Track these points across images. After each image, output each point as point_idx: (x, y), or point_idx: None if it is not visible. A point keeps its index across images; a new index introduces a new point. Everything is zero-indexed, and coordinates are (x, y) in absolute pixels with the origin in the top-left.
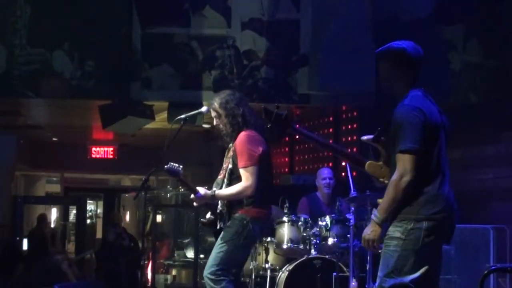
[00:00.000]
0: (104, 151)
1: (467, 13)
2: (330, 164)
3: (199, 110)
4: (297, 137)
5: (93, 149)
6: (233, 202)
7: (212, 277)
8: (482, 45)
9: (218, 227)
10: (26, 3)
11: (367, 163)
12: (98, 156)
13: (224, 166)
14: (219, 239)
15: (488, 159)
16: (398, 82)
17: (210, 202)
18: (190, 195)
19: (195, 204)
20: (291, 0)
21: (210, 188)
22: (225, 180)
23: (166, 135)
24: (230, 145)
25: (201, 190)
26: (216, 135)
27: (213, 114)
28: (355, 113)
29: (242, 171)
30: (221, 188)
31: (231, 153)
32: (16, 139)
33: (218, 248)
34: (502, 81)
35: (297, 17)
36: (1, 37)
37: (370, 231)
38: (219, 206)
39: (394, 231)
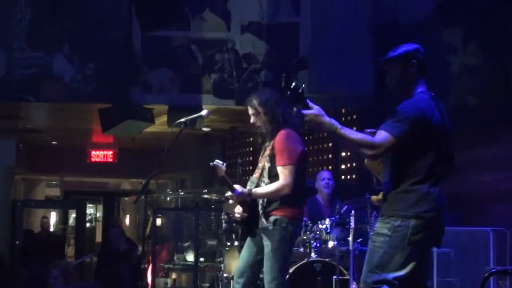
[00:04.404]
0: (104, 154)
1: (467, 16)
2: (330, 168)
3: (199, 113)
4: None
5: (93, 152)
6: (270, 201)
7: None
8: (481, 48)
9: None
10: (26, 6)
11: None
12: (97, 159)
13: (260, 165)
14: (267, 249)
15: (487, 161)
16: (407, 84)
17: (244, 200)
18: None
19: (230, 202)
20: (291, 4)
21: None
22: (263, 179)
23: (166, 139)
24: (266, 143)
25: (238, 187)
26: (214, 137)
27: (250, 111)
28: (355, 116)
29: (280, 169)
30: (256, 187)
31: (268, 151)
32: (15, 143)
33: (270, 260)
34: (501, 84)
35: (296, 20)
36: (1, 41)
37: (322, 119)
38: (259, 206)
39: (382, 227)
